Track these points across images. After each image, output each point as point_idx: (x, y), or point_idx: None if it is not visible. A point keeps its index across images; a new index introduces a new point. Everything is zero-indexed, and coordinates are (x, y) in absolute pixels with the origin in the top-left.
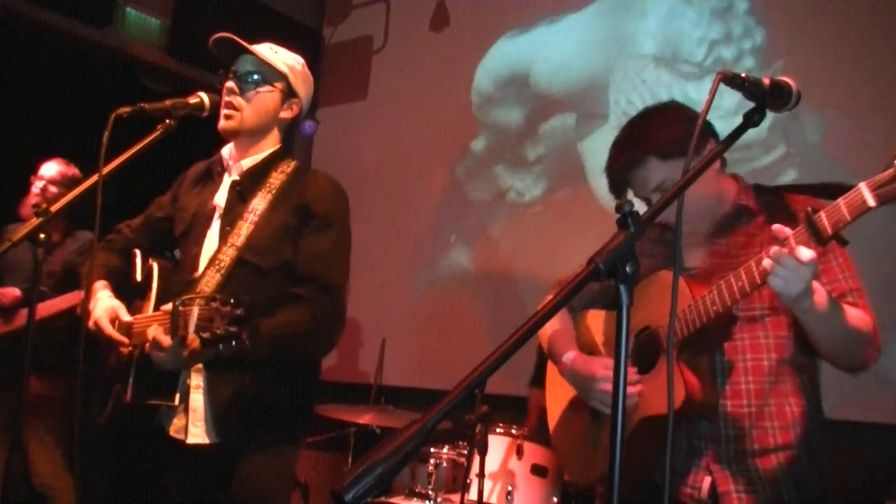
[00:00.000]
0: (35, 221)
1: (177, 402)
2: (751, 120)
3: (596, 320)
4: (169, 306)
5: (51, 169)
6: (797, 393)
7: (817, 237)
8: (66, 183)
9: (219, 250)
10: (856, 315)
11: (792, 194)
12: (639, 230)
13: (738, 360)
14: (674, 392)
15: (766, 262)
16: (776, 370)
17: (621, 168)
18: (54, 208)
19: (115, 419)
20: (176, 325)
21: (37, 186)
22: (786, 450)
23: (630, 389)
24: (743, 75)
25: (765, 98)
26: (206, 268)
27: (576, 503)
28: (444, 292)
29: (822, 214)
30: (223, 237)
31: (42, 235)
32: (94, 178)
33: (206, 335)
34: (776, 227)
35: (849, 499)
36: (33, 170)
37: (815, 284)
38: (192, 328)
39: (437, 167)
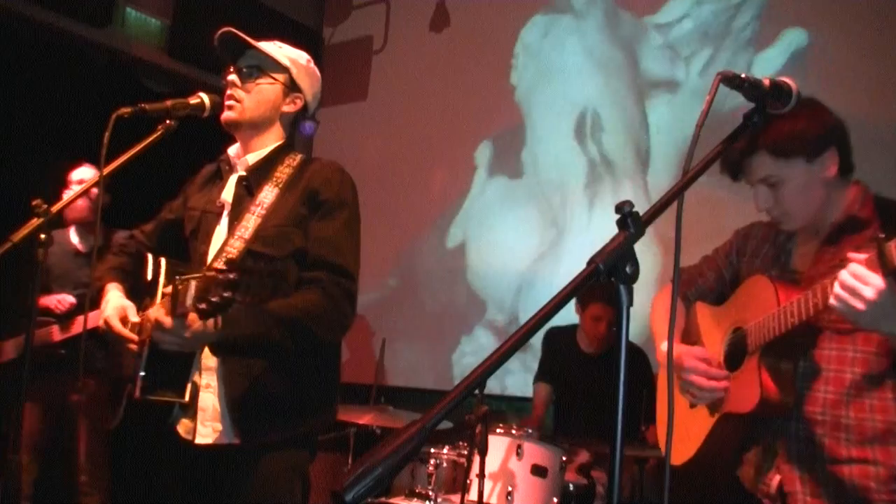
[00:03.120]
0: (36, 222)
1: (186, 398)
2: (750, 120)
3: (703, 312)
4: (170, 289)
5: (89, 172)
6: (885, 410)
7: (883, 265)
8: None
9: (225, 243)
10: None
11: None
12: (638, 230)
13: (822, 368)
14: (748, 394)
15: (835, 285)
16: (859, 384)
17: (736, 153)
18: (55, 208)
19: (129, 420)
20: (176, 303)
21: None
22: (859, 463)
23: (716, 384)
24: (742, 75)
25: (764, 98)
26: (213, 261)
27: (576, 503)
28: (444, 292)
29: (892, 243)
30: (231, 231)
31: (42, 236)
32: (95, 178)
33: (202, 306)
34: (850, 255)
35: None
36: (46, 171)
37: None
38: (189, 302)
39: (437, 167)
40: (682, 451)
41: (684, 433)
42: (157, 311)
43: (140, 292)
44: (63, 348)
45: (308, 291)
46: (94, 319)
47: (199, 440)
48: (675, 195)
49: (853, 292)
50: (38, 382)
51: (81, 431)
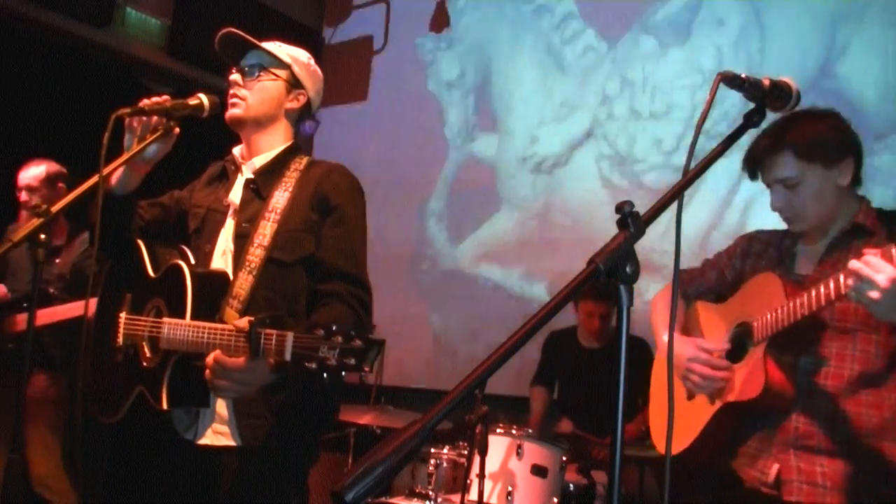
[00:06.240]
0: (35, 222)
1: (210, 404)
2: (750, 120)
3: (704, 309)
4: (242, 324)
5: (25, 177)
6: (879, 406)
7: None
8: (48, 181)
9: (247, 251)
10: None
11: None
12: (638, 230)
13: (823, 364)
14: (753, 382)
15: (849, 279)
16: (857, 381)
17: (760, 150)
18: (55, 209)
19: (129, 420)
20: (257, 347)
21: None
22: (854, 456)
23: (718, 374)
24: (743, 76)
25: (764, 98)
26: (238, 270)
27: (576, 503)
28: (444, 292)
29: None
30: (242, 235)
31: (42, 236)
32: (95, 178)
33: (312, 365)
34: (866, 250)
35: None
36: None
37: None
38: (287, 355)
39: (437, 167)
40: (679, 440)
41: (681, 423)
42: (223, 357)
43: (131, 281)
44: (12, 343)
45: (336, 306)
46: (47, 317)
47: (202, 441)
48: (675, 195)
49: (868, 281)
50: None
51: (32, 431)
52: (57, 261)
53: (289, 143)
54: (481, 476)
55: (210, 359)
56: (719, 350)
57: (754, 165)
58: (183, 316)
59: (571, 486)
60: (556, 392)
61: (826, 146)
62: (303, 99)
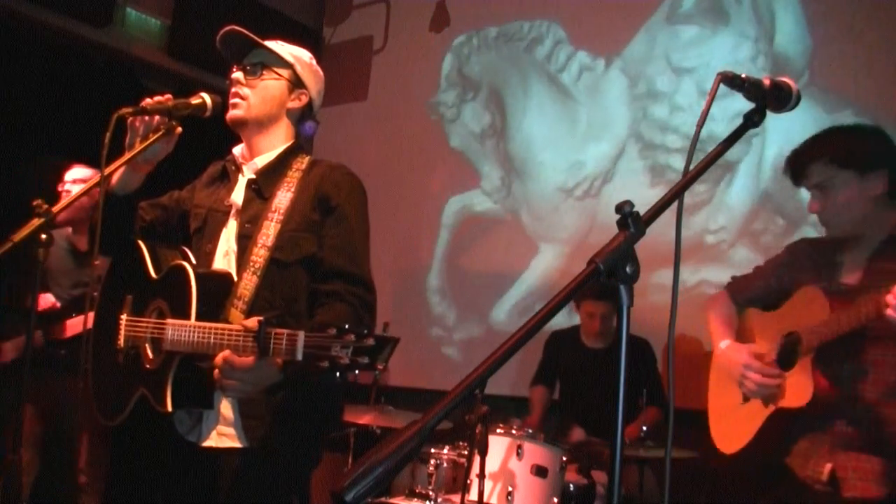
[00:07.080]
0: (36, 222)
1: (215, 406)
2: (751, 120)
3: (755, 317)
4: (251, 324)
5: (76, 172)
6: None
7: None
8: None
9: (250, 252)
10: None
11: None
12: (639, 230)
13: (866, 371)
14: (803, 390)
15: (889, 297)
16: None
17: (804, 157)
18: (56, 209)
19: (131, 421)
20: (266, 347)
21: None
22: None
23: (771, 381)
24: (743, 76)
25: (765, 98)
26: (242, 271)
27: (576, 503)
28: (444, 292)
29: None
30: (245, 236)
31: (43, 236)
32: (96, 178)
33: (324, 364)
34: None
35: None
36: (34, 170)
37: None
38: (299, 355)
39: (437, 167)
40: (737, 440)
41: (737, 425)
42: (233, 356)
43: (134, 283)
44: (63, 348)
45: (335, 306)
46: (81, 324)
47: (207, 443)
48: (675, 195)
49: None
50: (36, 383)
51: (83, 432)
52: (96, 262)
53: (290, 143)
54: (481, 476)
55: (219, 359)
56: (770, 358)
57: (797, 172)
58: (187, 317)
59: (571, 486)
60: (557, 392)
61: (860, 155)
62: (304, 99)
